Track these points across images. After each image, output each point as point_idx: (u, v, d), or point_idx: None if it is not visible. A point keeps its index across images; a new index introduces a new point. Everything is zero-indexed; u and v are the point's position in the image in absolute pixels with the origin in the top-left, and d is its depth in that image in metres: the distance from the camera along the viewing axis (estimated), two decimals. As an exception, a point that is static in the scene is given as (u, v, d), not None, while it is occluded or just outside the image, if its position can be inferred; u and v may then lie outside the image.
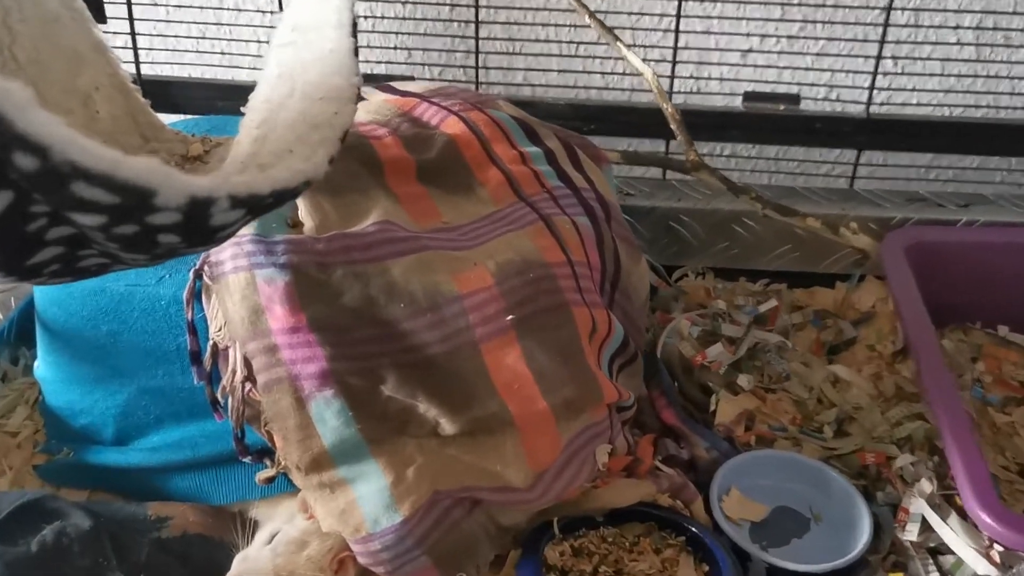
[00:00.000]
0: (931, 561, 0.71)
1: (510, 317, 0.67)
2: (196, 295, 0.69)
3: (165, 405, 0.72)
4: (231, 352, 0.66)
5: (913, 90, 1.09)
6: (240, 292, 0.65)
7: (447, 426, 0.65)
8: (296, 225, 0.71)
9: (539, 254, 0.71)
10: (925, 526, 0.73)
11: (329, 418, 0.63)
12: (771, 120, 1.00)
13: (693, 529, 0.72)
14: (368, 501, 0.63)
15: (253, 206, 0.45)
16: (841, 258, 1.00)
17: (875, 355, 0.93)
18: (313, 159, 0.50)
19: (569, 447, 0.69)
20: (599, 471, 0.72)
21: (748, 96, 1.04)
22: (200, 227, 0.42)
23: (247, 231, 0.67)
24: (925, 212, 0.99)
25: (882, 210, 1.00)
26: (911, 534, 0.72)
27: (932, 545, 0.73)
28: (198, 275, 0.68)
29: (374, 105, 0.83)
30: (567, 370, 0.68)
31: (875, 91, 1.03)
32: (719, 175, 0.91)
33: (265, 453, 0.69)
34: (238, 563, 0.66)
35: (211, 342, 0.67)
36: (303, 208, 0.70)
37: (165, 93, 1.05)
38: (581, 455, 0.70)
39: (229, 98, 1.04)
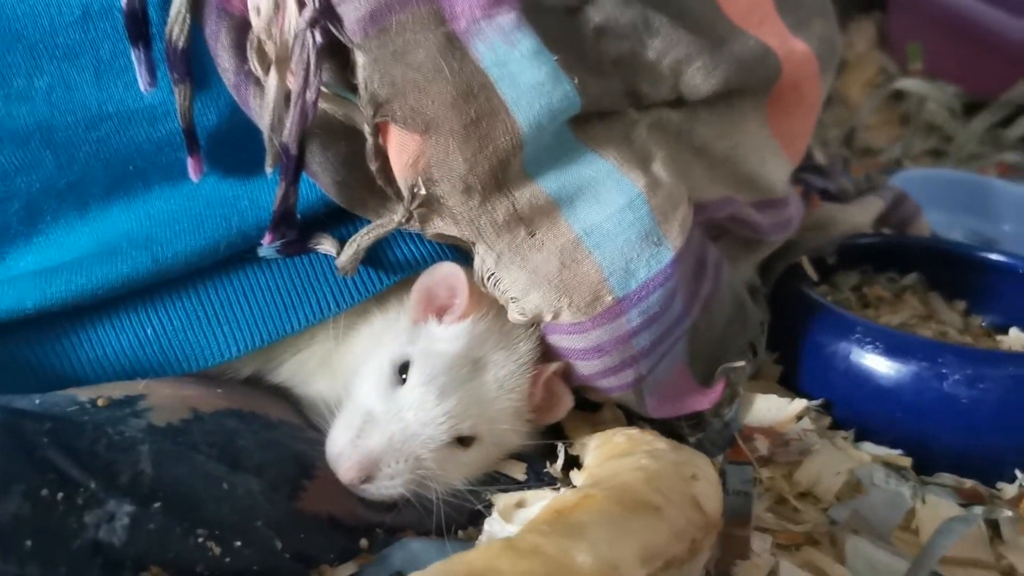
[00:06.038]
0: None
1: None
2: None
3: (64, 165, 0.33)
4: None
5: None
6: None
7: (698, 79, 0.35)
8: None
9: None
10: None
11: (521, 71, 0.30)
12: None
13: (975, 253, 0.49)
14: (607, 236, 0.32)
15: None
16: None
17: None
18: None
19: None
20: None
21: None
22: None
23: None
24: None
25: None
26: None
27: None
28: None
29: None
30: None
31: None
32: None
33: (321, 223, 0.34)
34: (348, 443, 0.31)
35: None
36: None
37: None
38: None
39: None
